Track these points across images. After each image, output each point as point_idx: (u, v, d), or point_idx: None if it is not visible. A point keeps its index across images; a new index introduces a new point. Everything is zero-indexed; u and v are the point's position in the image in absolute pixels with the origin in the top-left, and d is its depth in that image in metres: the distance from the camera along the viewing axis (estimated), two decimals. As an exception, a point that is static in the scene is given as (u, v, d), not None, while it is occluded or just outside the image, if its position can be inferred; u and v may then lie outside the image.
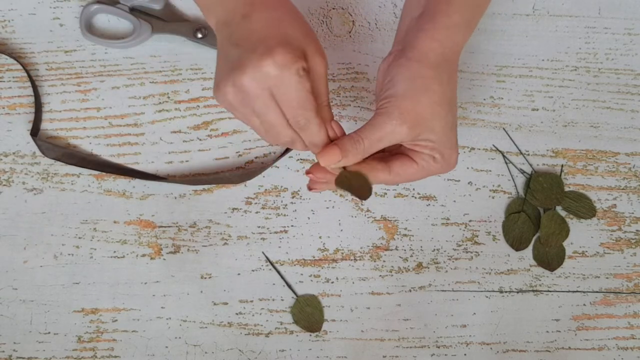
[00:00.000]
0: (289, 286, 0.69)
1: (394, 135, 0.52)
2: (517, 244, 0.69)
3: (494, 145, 0.71)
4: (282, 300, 0.69)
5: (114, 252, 0.69)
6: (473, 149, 0.71)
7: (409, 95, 0.52)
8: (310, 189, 0.57)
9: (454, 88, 0.55)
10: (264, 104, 0.50)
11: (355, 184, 0.53)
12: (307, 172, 0.56)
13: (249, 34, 0.51)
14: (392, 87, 0.53)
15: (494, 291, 0.70)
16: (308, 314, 0.69)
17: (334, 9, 0.71)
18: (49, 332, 0.68)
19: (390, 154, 0.56)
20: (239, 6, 0.52)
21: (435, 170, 0.55)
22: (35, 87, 0.68)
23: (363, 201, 0.66)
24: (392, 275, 0.70)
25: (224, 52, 0.52)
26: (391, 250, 0.70)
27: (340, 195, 0.70)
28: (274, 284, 0.69)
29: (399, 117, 0.52)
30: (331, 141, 0.54)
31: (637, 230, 0.71)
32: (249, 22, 0.51)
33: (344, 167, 0.54)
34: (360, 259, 0.70)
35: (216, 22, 0.53)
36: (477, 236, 0.70)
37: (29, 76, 0.68)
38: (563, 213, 0.71)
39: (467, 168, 0.71)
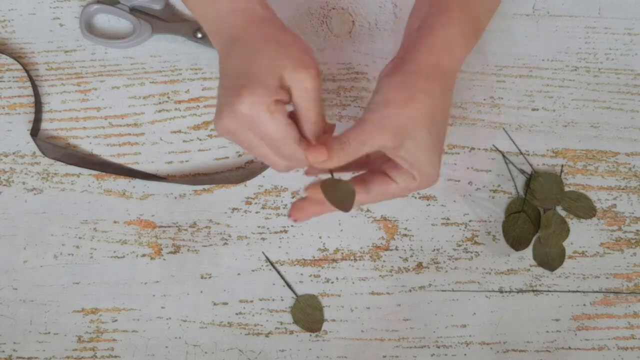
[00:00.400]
0: (289, 286, 0.69)
1: (376, 140, 0.52)
2: (517, 244, 0.69)
3: (494, 145, 0.71)
4: (282, 300, 0.69)
5: (114, 252, 0.69)
6: (473, 149, 0.71)
7: (395, 103, 0.52)
8: (294, 219, 0.57)
9: (445, 103, 0.54)
10: (249, 141, 0.52)
11: (339, 194, 0.53)
12: (307, 173, 0.57)
13: (229, 73, 0.52)
14: (381, 93, 0.53)
15: (494, 291, 0.70)
16: (308, 314, 0.69)
17: (334, 9, 0.71)
18: (49, 332, 0.68)
19: (370, 174, 0.56)
20: (226, 42, 0.54)
21: (413, 188, 0.54)
22: (35, 87, 0.68)
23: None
24: (392, 275, 0.70)
25: (220, 82, 0.54)
26: (391, 250, 0.70)
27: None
28: (274, 284, 0.69)
29: (382, 123, 0.52)
30: None
31: (637, 230, 0.71)
32: (230, 59, 0.53)
33: (331, 173, 0.54)
34: (360, 259, 0.70)
35: (218, 50, 0.55)
36: (477, 236, 0.70)
37: (29, 76, 0.68)
38: (563, 213, 0.71)
39: (467, 168, 0.71)
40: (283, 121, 0.51)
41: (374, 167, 0.57)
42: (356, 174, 0.58)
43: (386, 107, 0.52)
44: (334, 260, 0.70)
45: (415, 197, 0.70)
